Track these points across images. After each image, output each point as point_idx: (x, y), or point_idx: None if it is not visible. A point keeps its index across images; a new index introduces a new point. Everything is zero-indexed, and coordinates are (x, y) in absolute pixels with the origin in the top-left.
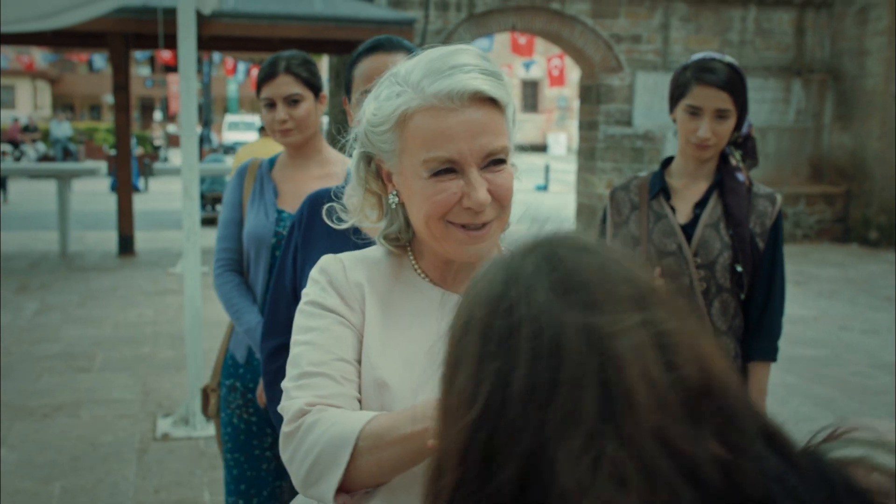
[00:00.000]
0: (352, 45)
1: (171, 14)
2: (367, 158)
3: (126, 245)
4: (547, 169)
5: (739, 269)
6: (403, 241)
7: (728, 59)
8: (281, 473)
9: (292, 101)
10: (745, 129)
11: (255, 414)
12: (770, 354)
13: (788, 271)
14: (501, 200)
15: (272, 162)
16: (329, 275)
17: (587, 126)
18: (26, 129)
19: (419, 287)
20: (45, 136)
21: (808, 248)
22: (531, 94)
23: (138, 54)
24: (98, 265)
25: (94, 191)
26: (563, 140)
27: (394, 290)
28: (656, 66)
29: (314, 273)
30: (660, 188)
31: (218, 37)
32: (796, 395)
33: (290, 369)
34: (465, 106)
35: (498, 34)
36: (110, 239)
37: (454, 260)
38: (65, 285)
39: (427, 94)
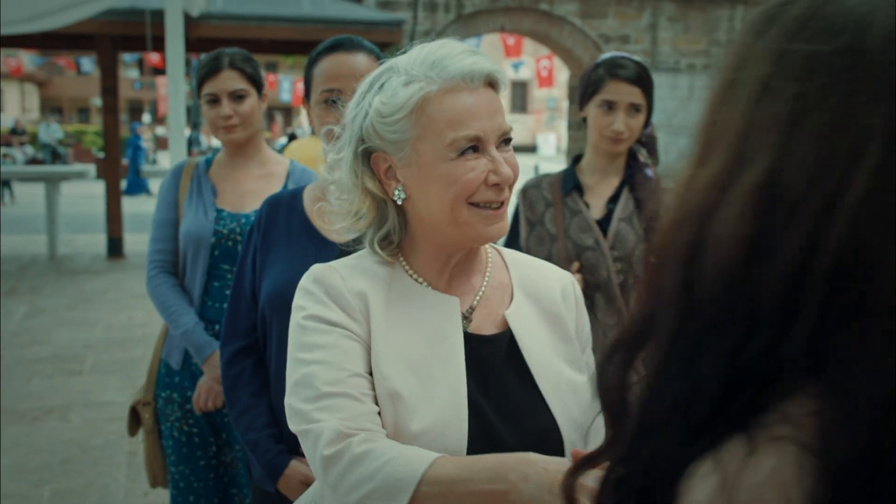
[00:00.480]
0: None
1: (158, 16)
2: (363, 156)
3: (115, 248)
4: (536, 169)
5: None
6: (396, 244)
7: (636, 58)
8: (234, 480)
9: (237, 97)
10: (647, 129)
11: (196, 424)
12: None
13: None
14: (514, 177)
15: (209, 162)
16: (326, 286)
17: (576, 126)
18: (14, 132)
19: (416, 292)
20: (34, 139)
21: None
22: (520, 95)
23: (127, 57)
24: (88, 268)
25: (82, 193)
26: (553, 140)
27: (391, 297)
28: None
29: (306, 284)
30: (573, 185)
31: (206, 38)
32: None
33: (302, 390)
34: (481, 87)
35: (487, 35)
36: (99, 241)
37: (468, 246)
38: (54, 288)
39: (446, 76)
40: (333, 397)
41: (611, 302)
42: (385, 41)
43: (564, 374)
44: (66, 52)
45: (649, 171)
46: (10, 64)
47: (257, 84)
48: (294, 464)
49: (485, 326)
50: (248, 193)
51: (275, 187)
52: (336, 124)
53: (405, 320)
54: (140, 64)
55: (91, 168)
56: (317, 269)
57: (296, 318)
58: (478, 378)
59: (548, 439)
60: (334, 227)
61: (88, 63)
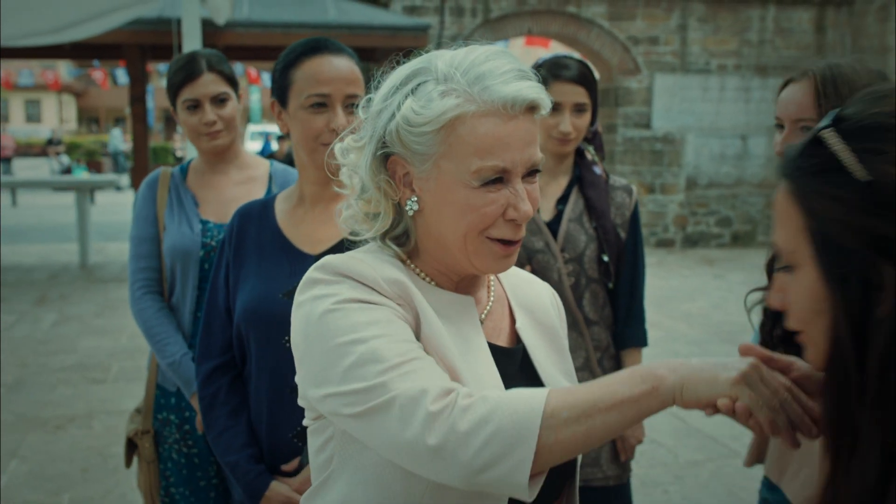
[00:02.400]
0: (366, 53)
1: None
2: (382, 157)
3: None
4: None
5: (606, 258)
6: (409, 246)
7: (577, 56)
8: (228, 496)
9: (219, 101)
10: (594, 127)
11: (196, 445)
12: (642, 340)
13: None
14: (534, 212)
15: (184, 170)
16: (354, 273)
17: (605, 129)
18: (50, 142)
19: (430, 291)
20: (72, 149)
21: None
22: None
23: (161, 66)
24: (117, 276)
25: (116, 202)
26: None
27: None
28: (675, 67)
29: (321, 275)
30: None
31: (232, 46)
32: None
33: (371, 366)
34: (521, 114)
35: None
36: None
37: (473, 274)
38: (83, 296)
39: (486, 98)
40: (410, 363)
41: (563, 304)
42: (411, 46)
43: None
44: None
45: (597, 169)
46: (47, 77)
47: (235, 85)
48: (275, 485)
49: (495, 338)
50: (231, 201)
51: (258, 192)
52: (324, 129)
53: (435, 315)
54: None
55: (125, 177)
56: (332, 259)
57: (321, 307)
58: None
59: None
60: (348, 225)
61: (123, 74)
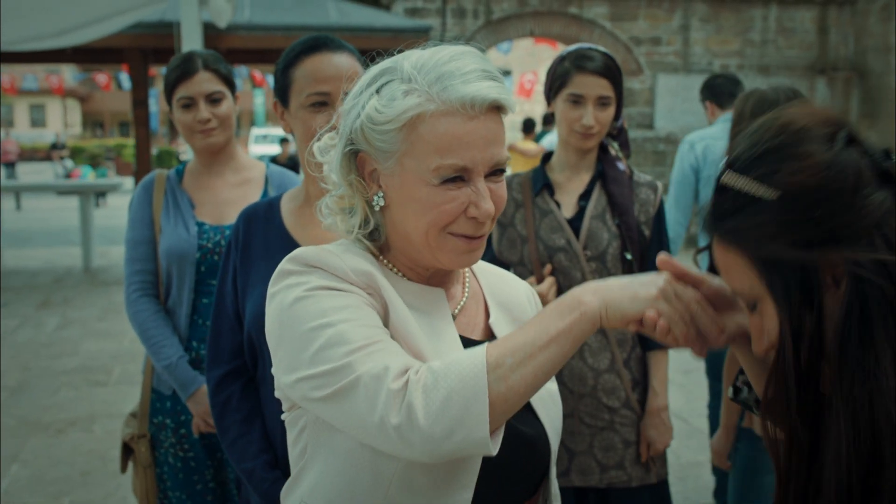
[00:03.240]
0: (368, 54)
1: None
2: (351, 154)
3: None
4: None
5: (629, 257)
6: (380, 241)
7: (603, 49)
8: (226, 499)
9: (214, 100)
10: (619, 122)
11: (192, 449)
12: None
13: None
14: (498, 210)
15: (179, 172)
16: (323, 264)
17: None
18: (54, 146)
19: (401, 284)
20: (75, 153)
21: None
22: None
23: (164, 70)
24: (121, 280)
25: (120, 206)
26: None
27: (386, 281)
28: (677, 68)
29: (292, 266)
30: (543, 184)
31: (234, 49)
32: None
33: (337, 348)
34: (482, 114)
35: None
36: None
37: (441, 268)
38: (86, 300)
39: (446, 98)
40: (374, 345)
41: None
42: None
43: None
44: (103, 66)
45: (621, 165)
46: (52, 82)
47: (231, 85)
48: None
49: (469, 332)
50: (227, 203)
51: (255, 194)
52: (325, 126)
53: (404, 307)
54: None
55: (129, 181)
56: (301, 252)
57: (292, 295)
58: None
59: (537, 447)
60: (326, 222)
61: (127, 78)
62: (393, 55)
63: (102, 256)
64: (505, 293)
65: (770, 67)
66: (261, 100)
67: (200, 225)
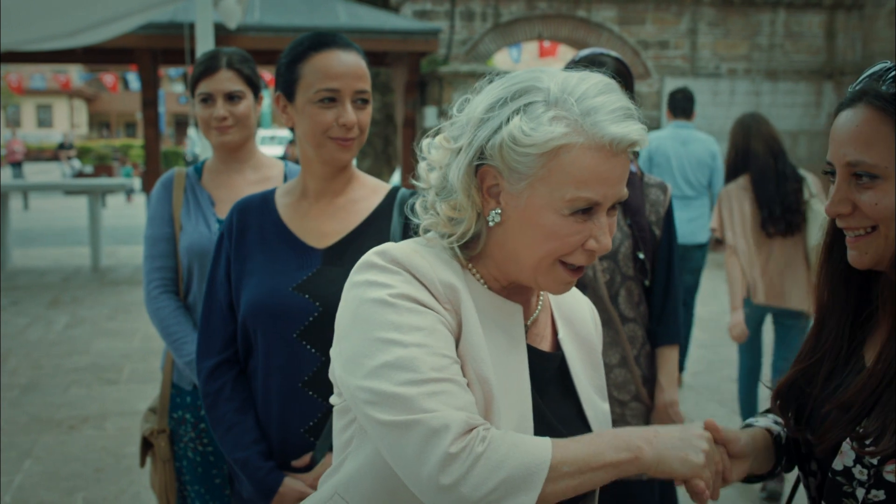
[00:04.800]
0: (378, 57)
1: None
2: (476, 166)
3: None
4: None
5: (641, 256)
6: (472, 252)
7: (615, 53)
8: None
9: (232, 98)
10: None
11: (212, 443)
12: (676, 338)
13: None
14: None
15: (199, 170)
16: (413, 268)
17: None
18: (61, 146)
19: (483, 295)
20: (83, 153)
21: None
22: None
23: (172, 71)
24: (130, 279)
25: (128, 205)
26: None
27: (468, 293)
28: (684, 71)
29: (380, 260)
30: None
31: (254, 52)
32: None
33: (399, 373)
34: (622, 153)
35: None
36: (142, 253)
37: (533, 287)
38: (96, 299)
39: (596, 133)
40: (441, 383)
41: (597, 302)
42: (422, 50)
43: (596, 403)
44: (111, 66)
45: (632, 167)
46: (59, 80)
47: (254, 86)
48: (288, 481)
49: (537, 343)
50: None
51: None
52: (333, 124)
53: (482, 322)
54: (185, 78)
55: (137, 181)
56: (393, 248)
57: (375, 293)
58: (536, 391)
59: None
60: (425, 223)
61: (135, 79)
62: (403, 56)
63: (110, 256)
64: (571, 308)
65: (777, 72)
66: (268, 101)
67: (221, 222)
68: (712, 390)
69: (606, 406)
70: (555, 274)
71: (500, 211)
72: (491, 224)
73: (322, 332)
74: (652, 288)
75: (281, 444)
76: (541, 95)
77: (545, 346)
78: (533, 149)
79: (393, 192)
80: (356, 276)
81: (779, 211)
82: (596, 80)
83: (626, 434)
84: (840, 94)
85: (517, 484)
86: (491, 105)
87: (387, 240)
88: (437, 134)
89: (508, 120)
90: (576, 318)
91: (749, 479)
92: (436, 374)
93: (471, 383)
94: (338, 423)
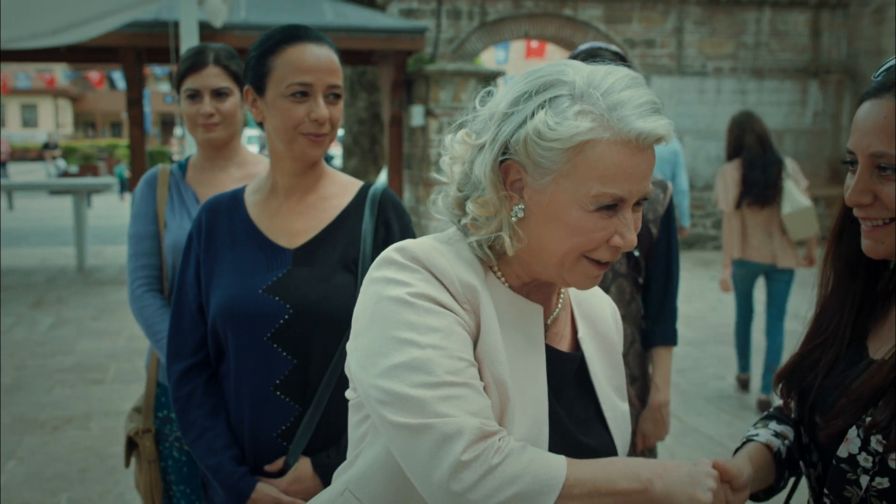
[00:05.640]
0: (364, 55)
1: None
2: (500, 162)
3: None
4: None
5: (636, 253)
6: (497, 251)
7: (614, 47)
8: None
9: (219, 94)
10: None
11: None
12: (672, 338)
13: (807, 274)
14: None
15: (183, 167)
16: (432, 266)
17: None
18: (46, 146)
19: (504, 294)
20: (68, 153)
21: None
22: None
23: (158, 70)
24: (115, 279)
25: (113, 206)
26: None
27: (488, 293)
28: (671, 70)
29: (400, 257)
30: None
31: (239, 50)
32: None
33: (414, 375)
34: (648, 148)
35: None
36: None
37: (557, 284)
38: (81, 299)
39: (622, 128)
40: (456, 387)
41: None
42: (408, 49)
43: (616, 404)
44: (96, 65)
45: None
46: (43, 78)
47: (241, 83)
48: (261, 486)
49: (556, 343)
50: None
51: None
52: (305, 119)
53: (500, 321)
54: (171, 77)
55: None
56: (413, 245)
57: (393, 291)
58: (553, 391)
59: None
60: (443, 216)
61: (121, 77)
62: (390, 55)
63: (96, 256)
64: (592, 306)
65: (763, 70)
66: None
67: None
68: (699, 387)
69: (626, 406)
70: (580, 268)
71: (523, 206)
72: (514, 219)
73: (293, 334)
74: (648, 287)
75: (253, 448)
76: (566, 89)
77: (564, 345)
78: (558, 143)
79: (364, 190)
80: (375, 271)
81: (760, 189)
82: (622, 74)
83: (637, 464)
84: (825, 93)
85: (528, 499)
86: (515, 99)
87: (358, 239)
88: (459, 128)
89: (533, 114)
90: (596, 317)
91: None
92: (451, 377)
93: (487, 386)
94: (353, 417)
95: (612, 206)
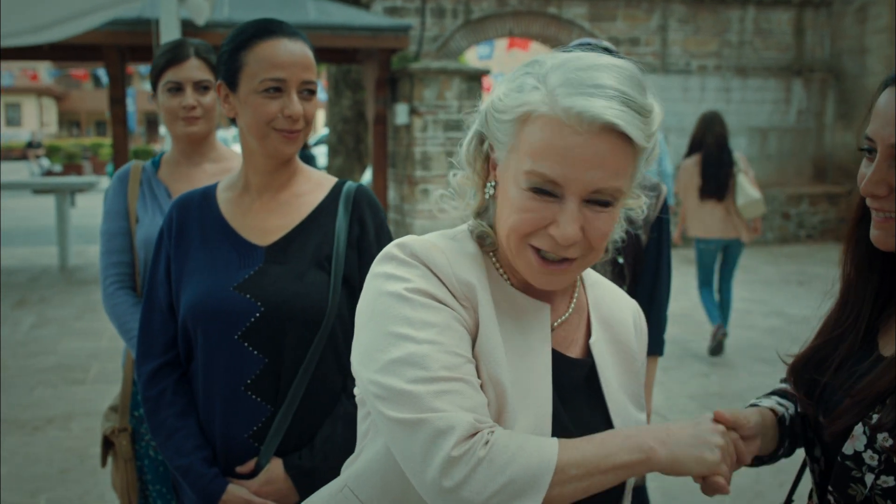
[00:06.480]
0: (348, 53)
1: None
2: (481, 138)
3: None
4: None
5: (621, 260)
6: (493, 238)
7: (605, 43)
8: None
9: (202, 88)
10: None
11: None
12: (658, 348)
13: (791, 271)
14: (592, 242)
15: (156, 163)
16: (430, 262)
17: None
18: (30, 145)
19: (507, 292)
20: (52, 152)
21: (812, 248)
22: None
23: (143, 69)
24: (97, 279)
25: (96, 205)
26: None
27: (491, 292)
28: (655, 68)
29: (399, 253)
30: None
31: (213, 47)
32: None
33: (409, 370)
34: (592, 133)
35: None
36: None
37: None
38: (63, 299)
39: (558, 105)
40: (452, 382)
41: None
42: (392, 47)
43: (630, 413)
44: (79, 63)
45: None
46: (27, 73)
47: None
48: (232, 488)
49: (565, 347)
50: None
51: None
52: (278, 115)
53: (502, 320)
54: None
55: (106, 180)
56: (413, 241)
57: (392, 287)
58: (559, 397)
59: None
60: (450, 204)
61: (105, 75)
62: (374, 53)
63: (79, 255)
64: (611, 310)
65: (747, 68)
66: None
67: None
68: (682, 384)
69: (642, 416)
70: (525, 257)
71: (494, 183)
72: (487, 196)
73: (264, 332)
74: (635, 294)
75: (224, 449)
76: (536, 68)
77: (576, 350)
78: (506, 115)
79: (338, 187)
80: (377, 267)
81: (715, 184)
82: (600, 59)
83: (637, 434)
84: (809, 91)
85: (521, 487)
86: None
87: (331, 236)
88: None
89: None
90: (616, 321)
91: (752, 461)
92: (446, 372)
93: (484, 384)
94: (358, 413)
95: (549, 193)
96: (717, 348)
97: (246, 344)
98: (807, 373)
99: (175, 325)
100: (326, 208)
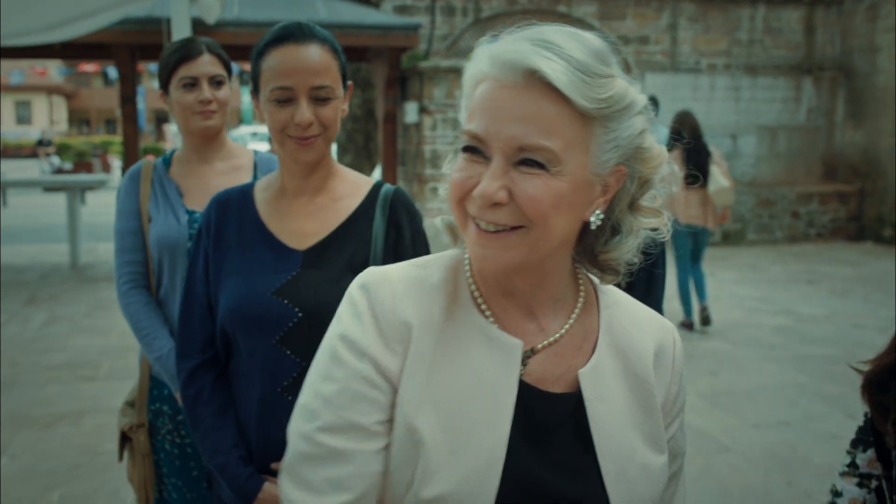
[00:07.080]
0: (357, 52)
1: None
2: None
3: None
4: None
5: None
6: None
7: (612, 39)
8: None
9: (216, 83)
10: None
11: (189, 435)
12: None
13: (800, 270)
14: (524, 209)
15: (167, 161)
16: (373, 298)
17: None
18: (40, 143)
19: (474, 323)
20: (62, 150)
21: (821, 246)
22: None
23: (153, 67)
24: (108, 276)
25: (107, 202)
26: None
27: (446, 328)
28: (665, 67)
29: (354, 290)
30: None
31: (223, 46)
32: (807, 393)
33: (302, 421)
34: (519, 86)
35: None
36: None
37: (511, 282)
38: (73, 296)
39: (496, 60)
40: (325, 447)
41: None
42: (402, 46)
43: (637, 455)
44: (90, 62)
45: None
46: (36, 70)
47: (230, 73)
48: (268, 486)
49: (549, 381)
50: (217, 190)
51: (244, 180)
52: (289, 123)
53: (455, 359)
54: None
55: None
56: (371, 275)
57: (333, 327)
58: (532, 441)
59: None
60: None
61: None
62: (383, 51)
63: (89, 253)
64: (629, 336)
65: (757, 67)
66: (248, 98)
67: (191, 213)
68: (691, 382)
69: (659, 458)
70: (470, 233)
71: None
72: None
73: (302, 337)
74: (630, 292)
75: (261, 448)
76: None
77: (556, 385)
78: (466, 89)
79: (376, 189)
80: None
81: (697, 171)
82: (554, 27)
83: None
84: (819, 90)
85: None
86: None
87: (368, 241)
88: None
89: None
90: (632, 351)
91: None
92: (323, 437)
93: (398, 435)
94: None
95: (478, 151)
96: (705, 320)
97: (283, 348)
98: (877, 389)
99: (213, 323)
100: (364, 213)
